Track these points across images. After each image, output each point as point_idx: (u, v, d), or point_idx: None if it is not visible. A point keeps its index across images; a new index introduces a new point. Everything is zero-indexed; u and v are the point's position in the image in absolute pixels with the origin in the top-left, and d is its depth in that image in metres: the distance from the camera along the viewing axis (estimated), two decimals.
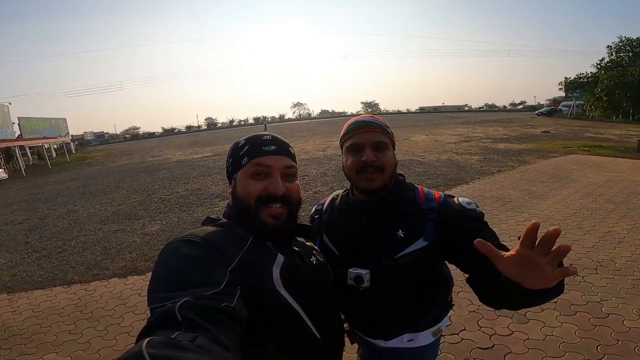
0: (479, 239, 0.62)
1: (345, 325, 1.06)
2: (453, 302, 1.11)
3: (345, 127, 0.99)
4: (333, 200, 1.11)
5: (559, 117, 31.24)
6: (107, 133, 71.85)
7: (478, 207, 0.94)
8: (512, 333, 2.32)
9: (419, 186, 1.02)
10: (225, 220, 0.78)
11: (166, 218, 5.85)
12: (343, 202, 1.06)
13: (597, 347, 2.11)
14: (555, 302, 2.61)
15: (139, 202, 7.25)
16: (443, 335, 2.28)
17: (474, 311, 2.58)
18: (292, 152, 0.82)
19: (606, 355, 2.04)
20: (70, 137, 33.52)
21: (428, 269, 0.97)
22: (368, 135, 0.93)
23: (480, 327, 2.41)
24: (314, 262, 0.84)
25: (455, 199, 0.96)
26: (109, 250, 4.53)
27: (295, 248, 0.81)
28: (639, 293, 2.69)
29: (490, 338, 2.29)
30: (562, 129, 18.46)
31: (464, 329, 2.40)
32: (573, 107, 32.91)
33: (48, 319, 2.98)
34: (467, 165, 8.70)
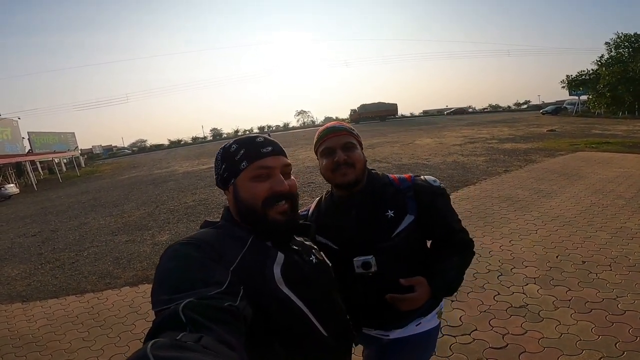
0: (390, 295, 0.95)
1: None
2: None
3: (316, 135, 1.10)
4: (318, 203, 1.18)
5: (564, 115, 30.94)
6: (115, 146, 73.00)
7: (441, 183, 1.11)
8: (526, 332, 2.28)
9: (390, 174, 1.14)
10: (224, 222, 0.80)
11: (175, 228, 5.91)
12: (328, 201, 1.14)
13: (615, 344, 2.07)
14: (570, 300, 2.57)
15: (148, 214, 7.34)
16: (454, 337, 2.30)
17: (485, 311, 2.55)
18: (284, 150, 0.85)
19: (626, 352, 2.00)
20: (79, 151, 34.19)
21: (421, 244, 1.10)
22: (337, 139, 1.05)
23: (492, 326, 2.38)
24: (314, 260, 0.84)
25: (422, 177, 1.10)
26: (120, 260, 4.59)
27: (294, 247, 0.82)
28: None
29: (503, 337, 2.26)
30: (568, 127, 18.26)
31: (476, 329, 2.37)
32: (578, 104, 32.59)
33: (62, 327, 3.03)
34: (473, 166, 8.64)
